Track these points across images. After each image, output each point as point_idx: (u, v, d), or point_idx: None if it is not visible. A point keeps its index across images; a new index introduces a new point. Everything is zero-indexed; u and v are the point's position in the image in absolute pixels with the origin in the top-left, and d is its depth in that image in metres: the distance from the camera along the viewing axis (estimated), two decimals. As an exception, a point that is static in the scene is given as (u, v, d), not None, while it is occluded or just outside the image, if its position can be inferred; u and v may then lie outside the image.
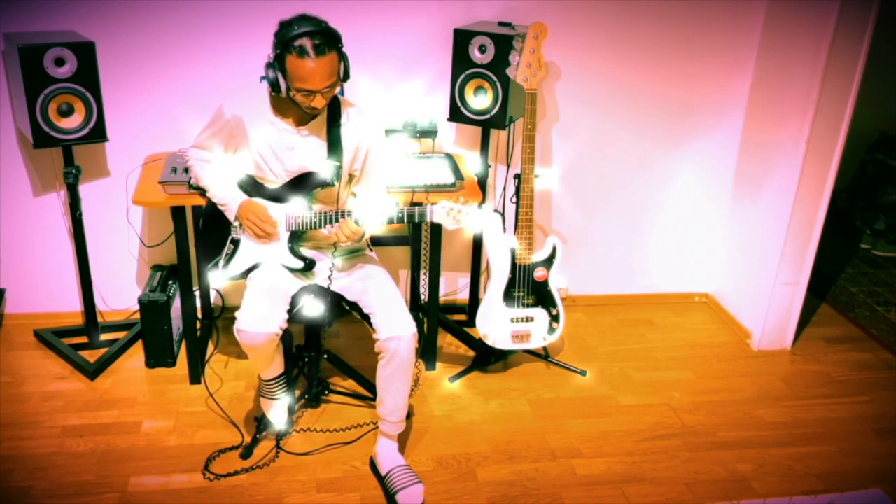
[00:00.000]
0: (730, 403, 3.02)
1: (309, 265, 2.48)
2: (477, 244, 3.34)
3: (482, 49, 2.85)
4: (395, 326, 2.36)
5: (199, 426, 2.73)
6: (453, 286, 3.60)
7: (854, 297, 3.78)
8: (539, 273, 2.92)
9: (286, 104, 2.35)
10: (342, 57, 2.25)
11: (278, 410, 2.61)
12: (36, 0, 2.81)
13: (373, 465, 2.56)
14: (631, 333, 3.51)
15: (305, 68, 2.17)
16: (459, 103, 2.95)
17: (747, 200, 3.48)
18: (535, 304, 2.94)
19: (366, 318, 2.45)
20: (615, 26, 3.22)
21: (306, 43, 2.15)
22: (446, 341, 3.34)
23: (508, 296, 2.91)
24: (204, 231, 2.58)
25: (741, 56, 3.35)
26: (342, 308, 2.55)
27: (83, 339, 3.14)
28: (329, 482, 2.50)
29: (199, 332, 3.06)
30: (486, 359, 3.13)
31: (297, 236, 2.49)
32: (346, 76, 2.29)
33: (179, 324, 3.15)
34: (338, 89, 2.29)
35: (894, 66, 4.25)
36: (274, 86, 2.24)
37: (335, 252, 2.54)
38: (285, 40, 2.17)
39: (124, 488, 2.43)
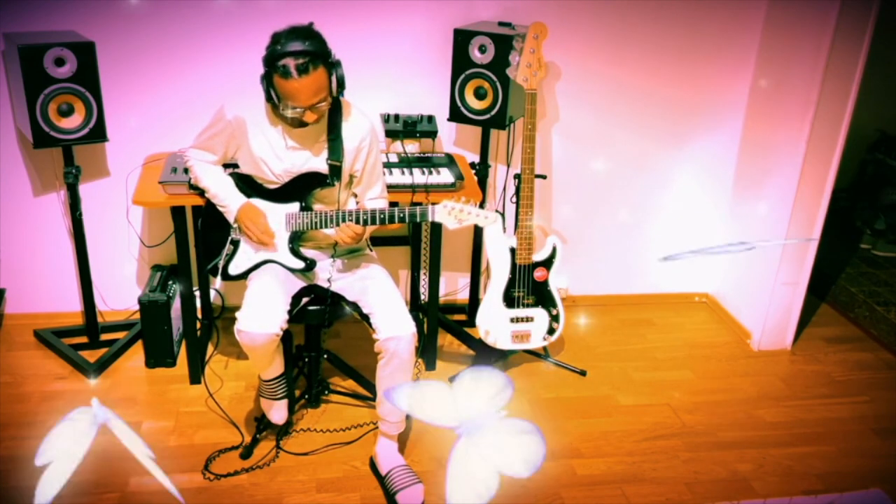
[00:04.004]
0: (730, 403, 3.02)
1: (309, 265, 2.48)
2: (477, 244, 3.34)
3: (482, 49, 2.85)
4: (394, 326, 2.36)
5: (199, 426, 2.73)
6: (453, 286, 3.60)
7: (854, 297, 3.77)
8: (539, 273, 2.92)
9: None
10: (332, 71, 2.24)
11: (278, 411, 2.61)
12: (36, 0, 2.81)
13: (373, 465, 2.56)
14: (631, 333, 3.51)
15: (289, 88, 2.18)
16: (459, 103, 2.95)
17: (747, 200, 3.48)
18: (535, 304, 2.94)
19: (365, 318, 2.45)
20: (615, 26, 3.22)
21: (289, 63, 2.15)
22: (446, 341, 3.34)
23: (508, 296, 2.91)
24: (204, 231, 2.58)
25: (741, 56, 3.35)
26: (342, 308, 2.55)
27: (83, 339, 3.14)
28: (329, 482, 2.51)
29: (199, 332, 3.06)
30: (486, 359, 3.13)
31: (297, 236, 2.49)
32: (341, 87, 2.28)
33: (179, 324, 3.15)
34: (328, 103, 2.27)
35: (894, 66, 4.24)
36: (269, 98, 2.26)
37: (335, 252, 2.54)
38: (270, 59, 2.18)
39: (124, 488, 2.43)
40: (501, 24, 2.99)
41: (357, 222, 2.35)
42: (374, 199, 2.57)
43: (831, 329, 3.62)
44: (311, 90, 2.19)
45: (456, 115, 2.98)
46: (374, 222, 2.36)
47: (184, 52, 2.98)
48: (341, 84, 2.28)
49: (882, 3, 2.84)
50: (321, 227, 2.41)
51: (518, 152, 3.13)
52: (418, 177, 2.85)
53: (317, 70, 2.18)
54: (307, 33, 2.19)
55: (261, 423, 2.65)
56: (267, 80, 2.22)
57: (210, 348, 3.17)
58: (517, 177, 2.92)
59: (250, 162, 2.45)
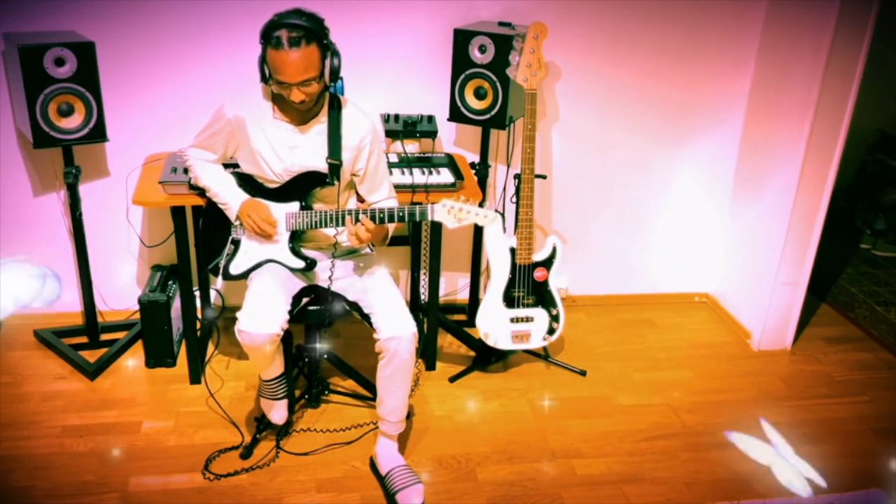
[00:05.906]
0: (730, 403, 3.02)
1: (310, 265, 2.48)
2: (477, 244, 3.34)
3: (482, 49, 2.85)
4: (395, 326, 2.36)
5: (199, 426, 2.73)
6: (453, 286, 3.60)
7: (854, 297, 3.77)
8: (539, 273, 2.92)
9: (287, 104, 2.35)
10: (326, 54, 2.23)
11: (278, 411, 2.61)
12: (36, 0, 2.81)
13: (373, 465, 2.56)
14: (631, 333, 3.51)
15: (279, 59, 2.18)
16: (459, 103, 2.95)
17: (747, 200, 3.48)
18: (535, 305, 2.94)
19: (366, 317, 2.45)
20: (615, 26, 3.22)
21: (283, 34, 2.15)
22: (446, 341, 3.34)
23: (508, 296, 2.91)
24: (204, 231, 2.58)
25: (741, 56, 3.35)
26: (342, 308, 2.55)
27: (83, 339, 3.14)
28: (329, 482, 2.51)
29: (199, 332, 3.06)
30: (486, 359, 3.13)
31: (297, 236, 2.49)
32: (334, 75, 2.27)
33: (179, 324, 3.15)
34: (319, 86, 2.26)
35: (894, 66, 4.24)
36: (262, 76, 2.26)
37: (335, 252, 2.54)
38: (266, 30, 2.19)
39: (124, 488, 2.43)
40: (501, 24, 2.99)
41: (356, 220, 2.35)
42: (384, 199, 2.56)
43: (831, 329, 3.62)
44: (301, 66, 2.18)
45: (456, 115, 2.98)
46: (373, 221, 2.36)
47: (184, 52, 2.98)
48: (335, 73, 2.27)
49: (882, 3, 2.84)
50: (321, 227, 2.41)
51: (518, 152, 3.13)
52: (418, 177, 2.84)
53: (309, 46, 2.17)
54: (309, 15, 2.20)
55: (261, 423, 2.65)
56: (262, 55, 2.23)
57: (210, 348, 3.17)
58: (517, 177, 2.92)
59: (250, 161, 2.45)
